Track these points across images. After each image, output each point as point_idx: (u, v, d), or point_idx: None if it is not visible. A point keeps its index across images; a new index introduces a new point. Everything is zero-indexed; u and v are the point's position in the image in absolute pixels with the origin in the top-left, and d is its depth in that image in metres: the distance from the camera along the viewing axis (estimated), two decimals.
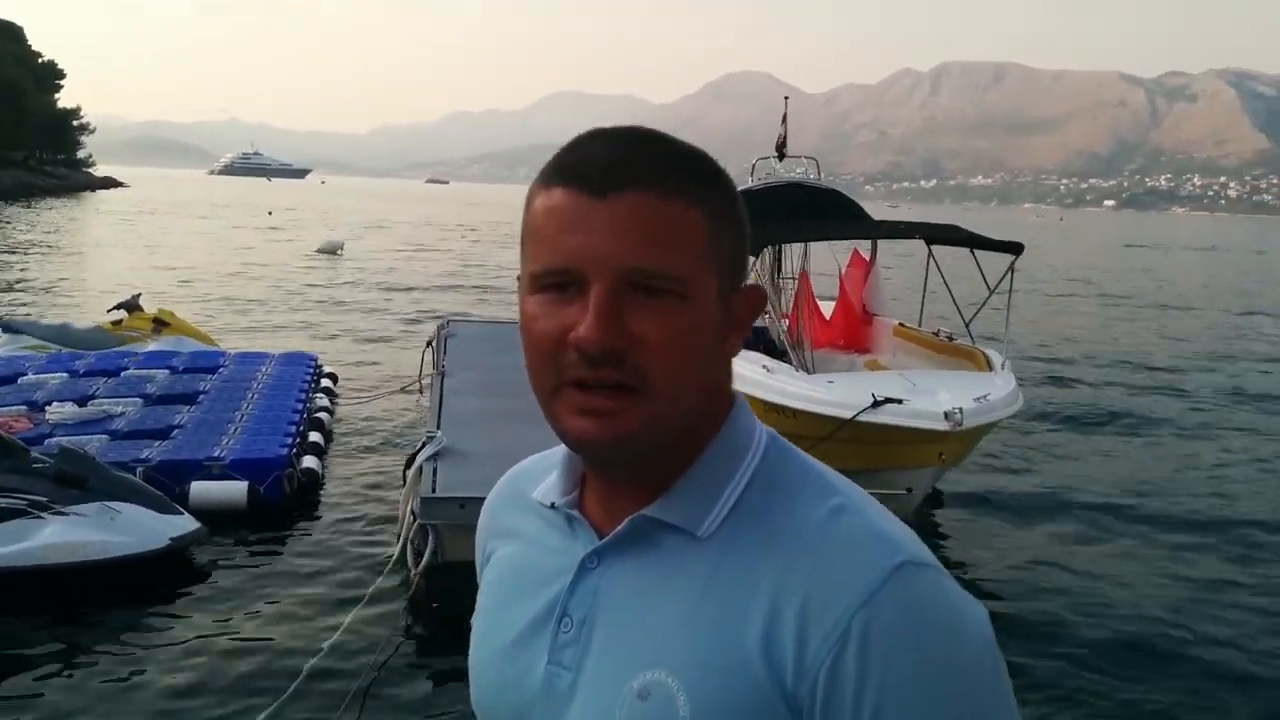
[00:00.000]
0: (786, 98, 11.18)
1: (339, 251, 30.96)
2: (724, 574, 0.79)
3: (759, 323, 8.49)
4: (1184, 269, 47.89)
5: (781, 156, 10.42)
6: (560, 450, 0.90)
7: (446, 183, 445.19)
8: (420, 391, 10.43)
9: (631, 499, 0.84)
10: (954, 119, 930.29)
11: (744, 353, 9.06)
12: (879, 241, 10.64)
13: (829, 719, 0.73)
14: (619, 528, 0.84)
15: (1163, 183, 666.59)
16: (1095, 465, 9.95)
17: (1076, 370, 15.31)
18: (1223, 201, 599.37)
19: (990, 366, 8.47)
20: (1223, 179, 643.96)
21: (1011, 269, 8.75)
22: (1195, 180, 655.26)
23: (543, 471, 0.96)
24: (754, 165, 10.82)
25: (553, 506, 0.91)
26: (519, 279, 0.83)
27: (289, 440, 7.58)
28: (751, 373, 7.51)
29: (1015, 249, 8.75)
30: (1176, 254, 64.31)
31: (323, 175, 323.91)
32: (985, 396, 7.26)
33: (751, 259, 10.83)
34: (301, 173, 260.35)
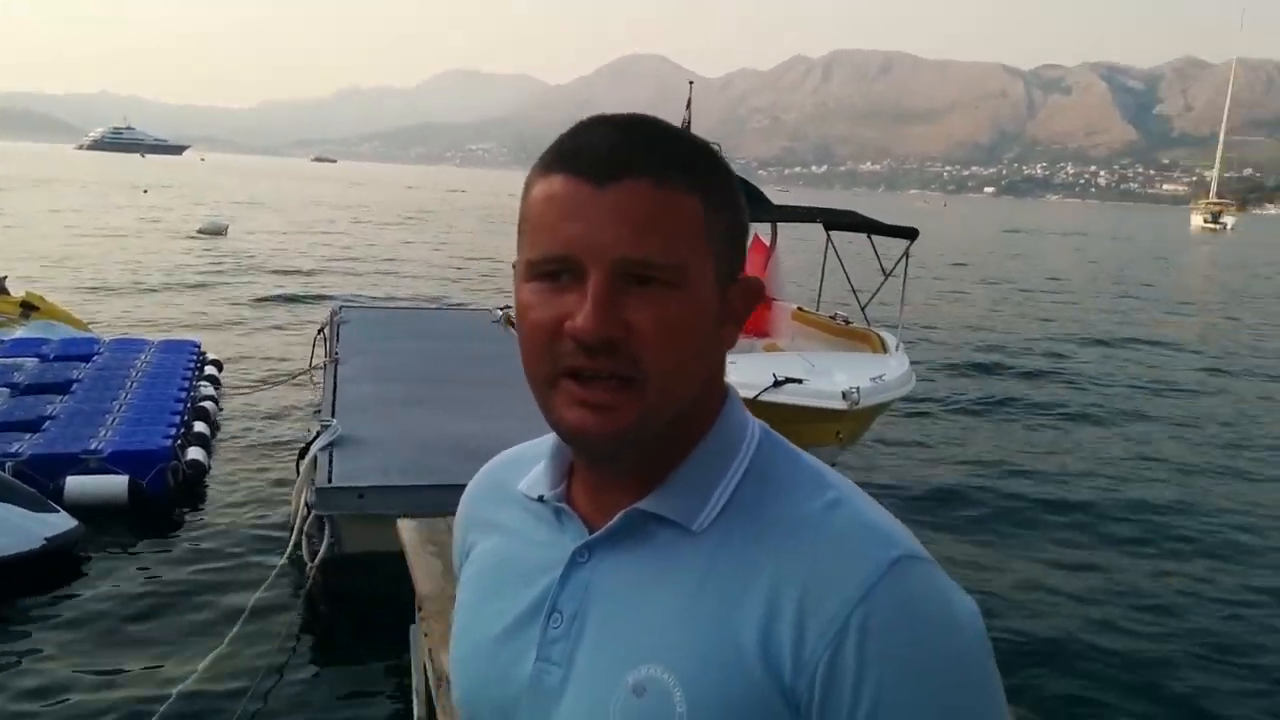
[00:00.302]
0: (691, 82, 11.19)
1: (223, 232, 29.88)
2: (720, 568, 0.78)
3: None
4: (1059, 254, 49.97)
5: None
6: (545, 441, 0.90)
7: (334, 161, 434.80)
8: (312, 380, 10.14)
9: (623, 492, 0.83)
10: (844, 106, 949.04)
11: None
12: (779, 226, 10.76)
13: (827, 713, 0.73)
14: (611, 521, 0.82)
15: (1039, 171, 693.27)
16: (983, 446, 10.27)
17: (965, 353, 15.82)
18: (1093, 190, 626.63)
19: (885, 348, 8.67)
20: (1093, 168, 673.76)
21: (906, 254, 8.97)
22: (1068, 169, 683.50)
23: (528, 462, 0.94)
24: None
25: (540, 500, 0.89)
26: (514, 266, 0.82)
27: (172, 431, 7.26)
28: None
29: (910, 234, 8.99)
30: (1052, 240, 67.05)
31: (202, 152, 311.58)
32: (880, 377, 7.48)
33: None
34: (178, 149, 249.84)
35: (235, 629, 4.90)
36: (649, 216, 0.75)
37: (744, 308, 0.83)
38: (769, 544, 0.78)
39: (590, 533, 0.84)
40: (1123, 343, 18.39)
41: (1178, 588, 6.63)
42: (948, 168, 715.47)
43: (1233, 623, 6.12)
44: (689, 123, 10.32)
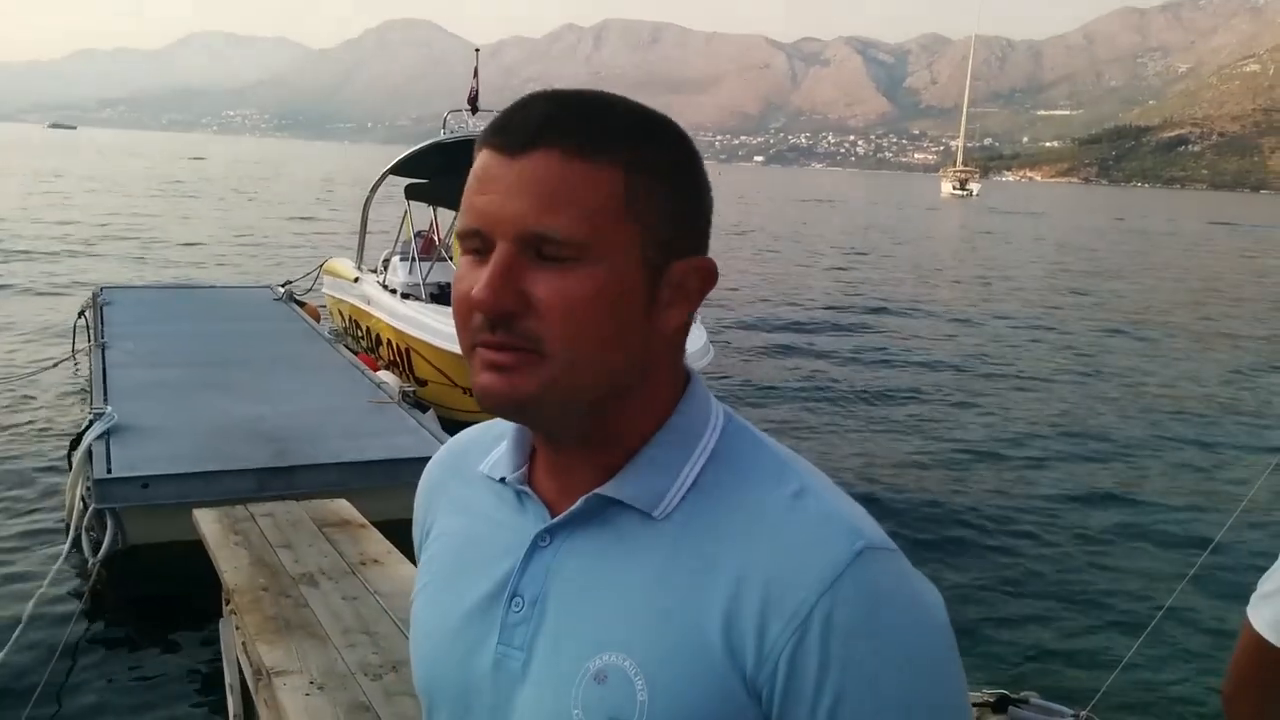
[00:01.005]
0: (477, 50, 11.00)
1: None
2: (681, 556, 0.77)
3: None
4: (826, 221, 52.72)
5: (475, 110, 10.32)
6: (507, 421, 0.87)
7: (74, 128, 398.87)
8: (75, 365, 9.37)
9: (584, 476, 0.81)
10: (617, 76, 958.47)
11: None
12: None
13: (788, 705, 0.72)
14: (573, 506, 0.81)
15: (803, 140, 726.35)
16: (775, 414, 10.75)
17: (764, 322, 16.41)
18: (852, 159, 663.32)
19: None
20: (852, 138, 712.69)
21: None
22: (829, 138, 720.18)
23: (490, 442, 0.92)
24: (445, 119, 10.63)
25: (502, 481, 0.87)
26: None
27: None
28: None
29: None
30: (822, 208, 70.59)
31: None
32: None
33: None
34: None
35: (13, 638, 4.50)
36: (555, 189, 0.73)
37: (696, 289, 0.80)
38: (732, 532, 0.77)
39: (552, 516, 0.82)
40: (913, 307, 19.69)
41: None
42: (719, 137, 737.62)
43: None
44: (477, 91, 10.18)
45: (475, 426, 0.98)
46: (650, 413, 0.82)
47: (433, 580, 0.91)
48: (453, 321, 0.79)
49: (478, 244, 0.76)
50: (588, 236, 0.74)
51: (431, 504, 0.97)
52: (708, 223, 0.82)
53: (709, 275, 0.81)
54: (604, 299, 0.74)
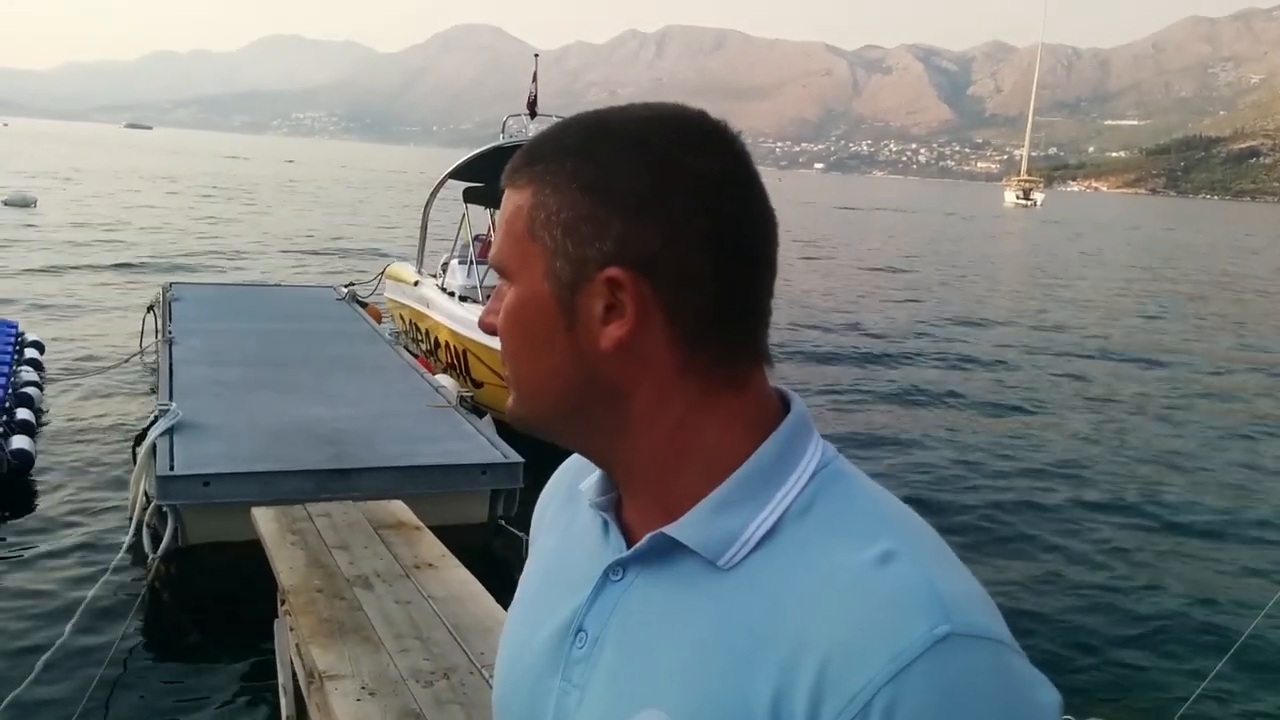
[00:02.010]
0: (536, 55, 11.06)
1: (32, 205, 27.70)
2: (742, 614, 0.70)
3: None
4: (892, 229, 52.18)
5: (533, 114, 10.37)
6: None
7: (150, 128, 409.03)
8: (143, 362, 9.57)
9: (656, 510, 0.77)
10: (679, 82, 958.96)
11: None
12: None
13: None
14: (639, 543, 0.76)
15: (864, 148, 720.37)
16: (830, 428, 10.63)
17: (811, 333, 16.21)
18: (914, 166, 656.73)
19: None
20: (914, 146, 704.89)
21: None
22: (891, 146, 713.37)
23: None
24: (505, 123, 10.73)
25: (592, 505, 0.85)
26: None
27: None
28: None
29: None
30: (886, 216, 69.88)
31: (4, 119, 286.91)
32: None
33: None
34: None
35: (68, 629, 4.58)
36: (504, 219, 0.78)
37: (626, 300, 0.72)
38: (800, 595, 0.68)
39: (628, 549, 0.78)
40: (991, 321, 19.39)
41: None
42: (779, 144, 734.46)
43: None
44: (535, 96, 10.24)
45: None
46: (722, 447, 0.75)
47: (520, 600, 0.90)
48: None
49: None
50: (506, 260, 0.77)
51: (540, 519, 0.95)
52: (655, 231, 0.71)
53: (624, 285, 0.71)
54: (522, 319, 0.76)
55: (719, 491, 0.74)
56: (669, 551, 0.75)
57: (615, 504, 0.81)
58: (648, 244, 0.71)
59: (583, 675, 0.77)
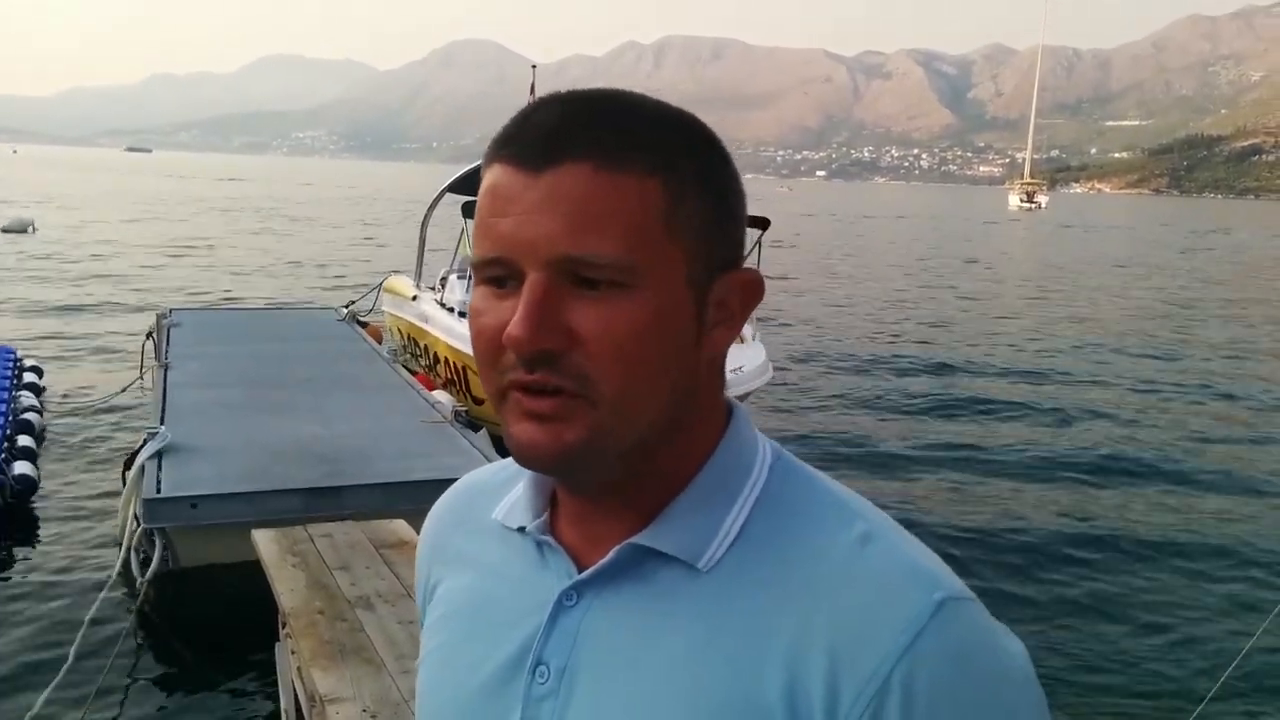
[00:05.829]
0: (534, 66, 11.03)
1: (29, 229, 27.78)
2: (733, 613, 0.67)
3: None
4: (892, 234, 52.15)
5: None
6: None
7: (149, 151, 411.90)
8: (143, 387, 9.54)
9: (616, 523, 0.72)
10: (678, 92, 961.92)
11: None
12: None
13: None
14: (604, 558, 0.71)
15: (866, 154, 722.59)
16: (842, 435, 10.43)
17: (823, 343, 15.98)
18: (916, 171, 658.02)
19: (742, 339, 8.79)
20: (916, 151, 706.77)
21: (759, 243, 9.13)
22: (893, 152, 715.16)
23: (503, 484, 0.82)
24: None
25: (521, 530, 0.77)
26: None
27: None
28: None
29: (762, 224, 9.16)
30: (890, 223, 69.85)
31: (13, 145, 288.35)
32: (740, 368, 7.56)
33: None
34: None
35: (69, 658, 4.50)
36: (590, 205, 0.64)
37: (739, 306, 0.71)
38: (790, 586, 0.67)
39: (579, 570, 0.73)
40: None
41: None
42: (781, 152, 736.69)
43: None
44: None
45: (483, 468, 0.89)
46: (692, 451, 0.72)
47: (441, 647, 0.80)
48: None
49: (500, 273, 0.67)
50: (633, 258, 0.64)
51: (435, 558, 0.85)
52: (744, 232, 0.73)
53: (752, 289, 0.72)
54: (657, 330, 0.66)
55: (689, 492, 0.71)
56: (639, 563, 0.70)
57: (548, 526, 0.76)
58: (740, 246, 0.72)
59: (552, 711, 0.70)
